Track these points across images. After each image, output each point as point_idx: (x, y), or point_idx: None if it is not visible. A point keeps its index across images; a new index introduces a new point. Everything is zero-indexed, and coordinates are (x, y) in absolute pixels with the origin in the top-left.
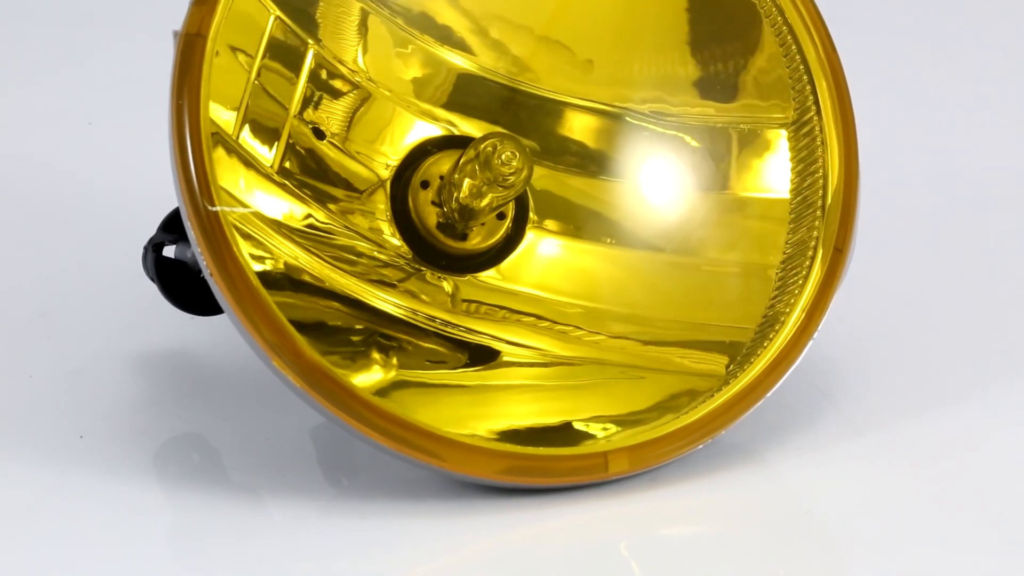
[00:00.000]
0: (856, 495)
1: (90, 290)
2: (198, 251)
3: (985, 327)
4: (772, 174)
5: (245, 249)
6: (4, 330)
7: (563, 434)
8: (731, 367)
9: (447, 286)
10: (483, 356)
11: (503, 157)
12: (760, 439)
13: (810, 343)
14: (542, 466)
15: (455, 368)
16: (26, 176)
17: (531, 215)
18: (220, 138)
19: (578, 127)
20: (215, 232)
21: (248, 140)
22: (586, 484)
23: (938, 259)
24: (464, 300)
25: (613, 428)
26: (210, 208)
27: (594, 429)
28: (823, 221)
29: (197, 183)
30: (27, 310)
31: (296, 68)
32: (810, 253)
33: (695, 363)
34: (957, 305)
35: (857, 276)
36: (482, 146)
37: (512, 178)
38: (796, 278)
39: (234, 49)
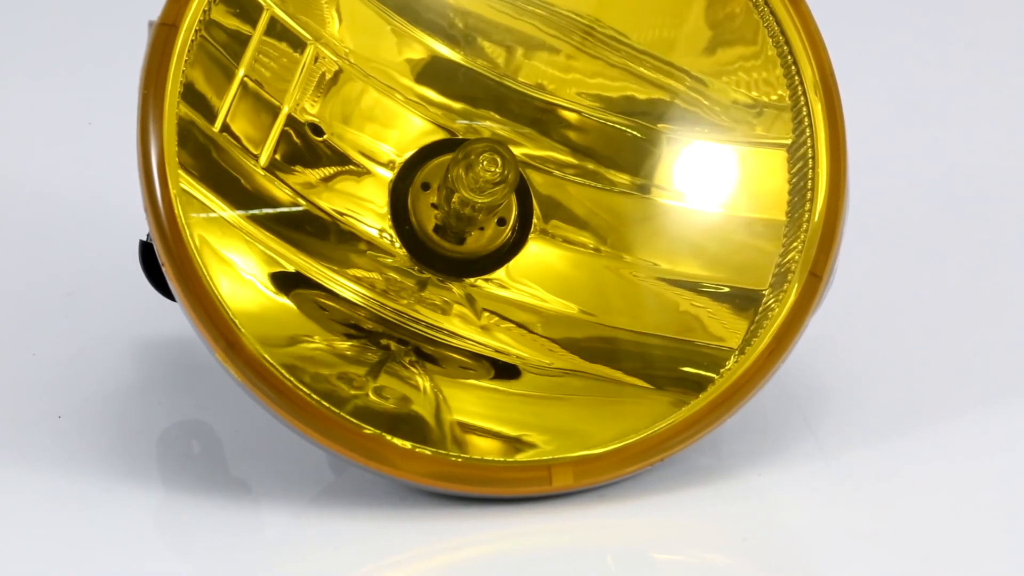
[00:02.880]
0: (802, 524)
1: (119, 274)
2: (152, 238)
3: (981, 359)
4: (772, 196)
5: (200, 238)
6: (28, 306)
7: (511, 444)
8: (704, 393)
9: (455, 288)
10: (463, 358)
11: (484, 163)
12: (731, 462)
13: (775, 369)
14: (480, 475)
15: (434, 367)
16: (72, 169)
17: (536, 222)
18: (196, 130)
19: (588, 135)
20: (168, 220)
21: (235, 133)
22: (531, 496)
23: (939, 282)
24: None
25: (562, 441)
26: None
27: (543, 441)
28: (805, 245)
29: (157, 173)
30: (57, 289)
31: (293, 62)
32: (790, 277)
33: (673, 384)
34: (957, 333)
35: (863, 301)
36: (467, 150)
37: (495, 184)
38: (775, 303)
39: (225, 41)
